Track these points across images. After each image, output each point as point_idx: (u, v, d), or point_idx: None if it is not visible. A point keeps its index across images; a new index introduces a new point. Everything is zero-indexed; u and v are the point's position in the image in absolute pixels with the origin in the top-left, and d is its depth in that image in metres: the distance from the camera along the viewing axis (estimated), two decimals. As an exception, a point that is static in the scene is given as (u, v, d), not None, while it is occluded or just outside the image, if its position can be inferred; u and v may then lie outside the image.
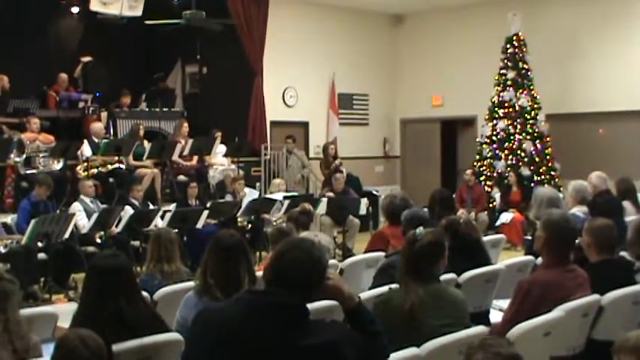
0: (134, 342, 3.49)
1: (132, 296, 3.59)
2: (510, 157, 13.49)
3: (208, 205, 10.48)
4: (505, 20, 13.83)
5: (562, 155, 13.69)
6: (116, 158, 11.41)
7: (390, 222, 6.58)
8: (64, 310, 4.60)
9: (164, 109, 13.90)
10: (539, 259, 5.12)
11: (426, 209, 7.43)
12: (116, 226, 9.50)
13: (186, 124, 13.01)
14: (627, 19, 13.71)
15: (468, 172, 13.39)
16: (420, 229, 3.86)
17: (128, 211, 9.73)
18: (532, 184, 12.77)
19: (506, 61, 13.83)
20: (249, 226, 10.85)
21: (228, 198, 11.44)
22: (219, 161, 13.08)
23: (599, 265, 4.69)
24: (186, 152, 12.36)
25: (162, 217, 9.75)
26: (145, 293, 4.28)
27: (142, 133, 12.47)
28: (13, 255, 8.40)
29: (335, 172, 13.16)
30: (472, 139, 15.30)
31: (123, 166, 11.53)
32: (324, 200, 11.37)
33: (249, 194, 11.76)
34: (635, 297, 4.63)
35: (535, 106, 13.66)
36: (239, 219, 10.78)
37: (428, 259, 3.80)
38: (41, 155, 11.14)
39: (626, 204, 7.90)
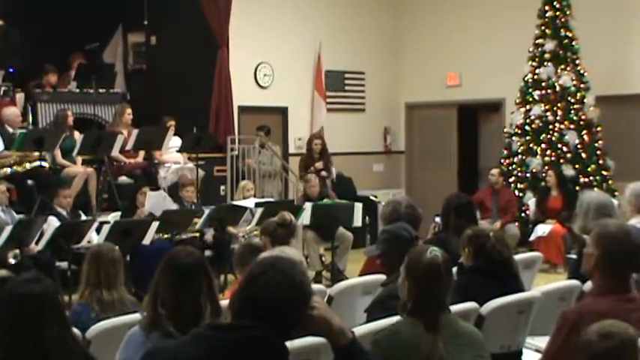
0: (61, 392, 3.46)
1: (59, 333, 3.56)
2: (548, 152, 13.55)
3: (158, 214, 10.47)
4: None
5: (616, 150, 13.77)
6: (37, 154, 11.37)
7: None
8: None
9: (100, 91, 13.83)
10: (588, 284, 5.13)
11: (438, 219, 7.46)
12: (36, 242, 9.48)
13: (129, 110, 13.00)
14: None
15: (494, 171, 13.42)
16: (432, 249, 3.93)
17: (53, 222, 9.71)
18: (577, 188, 12.83)
19: (543, 27, 13.88)
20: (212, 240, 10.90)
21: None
22: (173, 158, 13.08)
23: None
24: (129, 146, 12.34)
25: (97, 231, 9.72)
26: (75, 329, 4.25)
27: (70, 121, 12.42)
28: None
29: (307, 174, 13.11)
30: (498, 128, 15.37)
31: (46, 165, 11.51)
32: (308, 208, 11.32)
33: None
34: None
35: (581, 86, 13.73)
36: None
37: (439, 282, 3.87)
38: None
39: None
